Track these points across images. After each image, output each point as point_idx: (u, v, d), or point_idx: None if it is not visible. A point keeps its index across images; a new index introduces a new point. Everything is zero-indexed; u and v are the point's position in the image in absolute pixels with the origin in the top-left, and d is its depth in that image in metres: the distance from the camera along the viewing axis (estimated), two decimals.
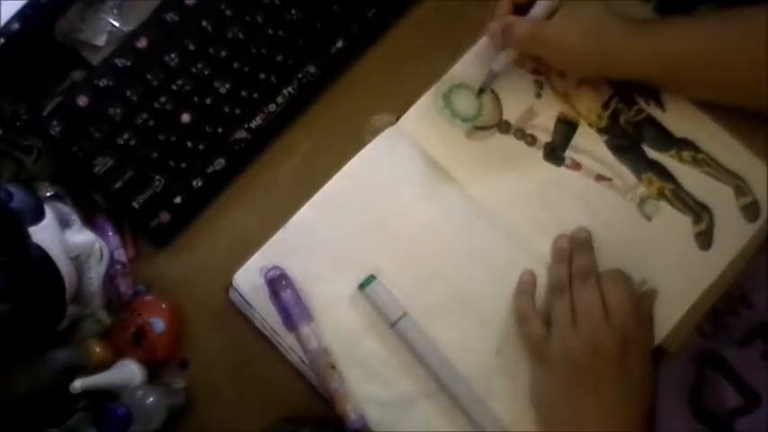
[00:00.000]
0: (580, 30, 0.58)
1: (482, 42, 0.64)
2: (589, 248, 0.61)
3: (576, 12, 0.58)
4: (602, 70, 0.61)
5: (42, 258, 0.53)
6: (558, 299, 0.59)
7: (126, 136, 0.62)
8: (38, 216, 0.55)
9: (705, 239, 0.61)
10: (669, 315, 0.60)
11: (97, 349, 0.59)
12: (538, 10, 0.59)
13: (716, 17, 0.60)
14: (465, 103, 0.64)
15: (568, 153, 0.63)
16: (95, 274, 0.59)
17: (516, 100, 0.64)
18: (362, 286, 0.60)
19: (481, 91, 0.63)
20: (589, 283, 0.58)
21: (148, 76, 0.63)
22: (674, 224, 0.61)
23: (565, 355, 0.56)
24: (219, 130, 0.63)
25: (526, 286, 0.60)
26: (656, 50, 0.59)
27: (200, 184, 0.63)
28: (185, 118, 0.63)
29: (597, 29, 0.58)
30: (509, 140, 0.63)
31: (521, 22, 0.59)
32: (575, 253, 0.60)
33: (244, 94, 0.64)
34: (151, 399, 0.57)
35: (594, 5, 0.59)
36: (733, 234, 0.61)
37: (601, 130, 0.63)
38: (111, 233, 0.62)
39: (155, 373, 0.61)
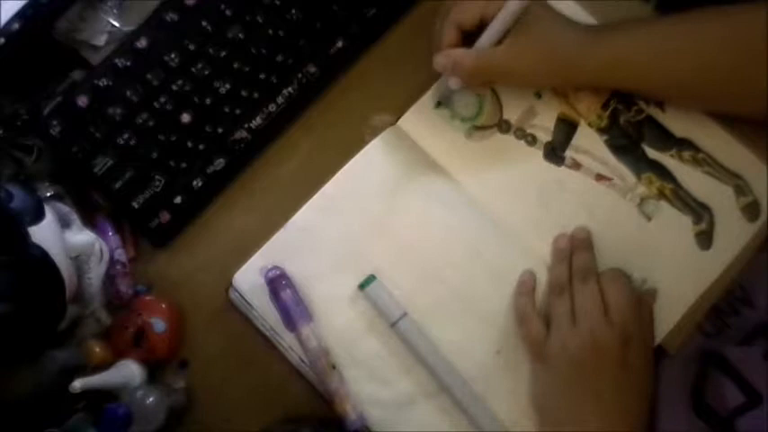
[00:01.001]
0: (529, 53, 0.57)
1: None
2: (589, 248, 0.61)
3: (524, 35, 0.57)
4: (561, 82, 0.61)
5: (42, 258, 0.53)
6: (558, 299, 0.59)
7: (126, 136, 0.62)
8: (38, 216, 0.55)
9: (705, 239, 0.61)
10: (669, 315, 0.60)
11: (97, 349, 0.59)
12: (485, 40, 0.58)
13: (672, 18, 0.59)
14: (465, 102, 0.64)
15: (568, 153, 0.63)
16: (95, 274, 0.59)
17: (516, 100, 0.64)
18: (362, 286, 0.60)
19: (438, 104, 0.63)
20: (589, 282, 0.58)
21: (148, 76, 0.63)
22: (674, 224, 0.61)
23: (565, 354, 0.56)
24: (219, 130, 0.63)
25: (526, 286, 0.60)
26: (615, 55, 0.58)
27: (200, 184, 0.63)
28: (185, 118, 0.63)
29: (548, 46, 0.57)
30: (509, 140, 0.63)
31: (467, 56, 0.58)
32: (574, 253, 0.60)
33: (244, 94, 0.64)
34: (151, 399, 0.57)
35: (545, 22, 0.58)
36: (733, 234, 0.61)
37: (601, 130, 0.63)
38: (111, 233, 0.62)
39: (155, 373, 0.60)
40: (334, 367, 0.59)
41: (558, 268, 0.60)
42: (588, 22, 0.62)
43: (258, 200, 0.64)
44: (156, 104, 0.63)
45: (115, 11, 0.66)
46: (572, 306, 0.58)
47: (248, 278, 0.61)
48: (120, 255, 0.62)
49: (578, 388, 0.56)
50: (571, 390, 0.56)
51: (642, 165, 0.63)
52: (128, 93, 0.63)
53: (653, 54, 0.58)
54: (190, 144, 0.63)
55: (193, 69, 0.63)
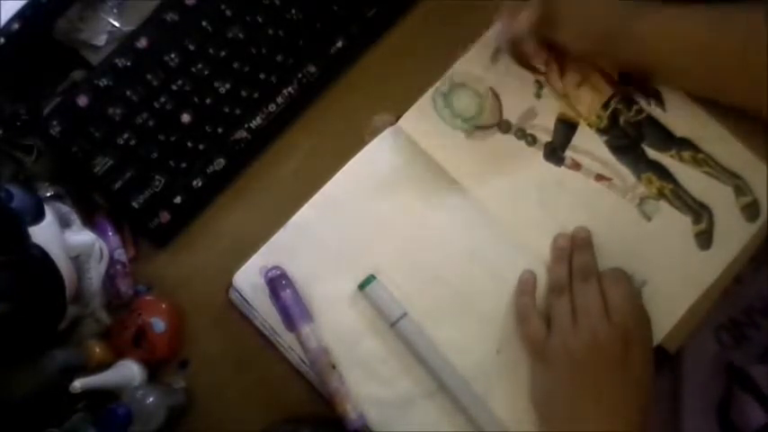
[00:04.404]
0: (578, 5, 0.57)
1: (483, 41, 0.64)
2: (589, 248, 0.60)
3: None
4: (602, 50, 0.60)
5: (42, 258, 0.53)
6: (559, 298, 0.59)
7: (126, 136, 0.62)
8: (38, 216, 0.55)
9: (705, 239, 0.61)
10: (669, 315, 0.60)
11: (97, 349, 0.59)
12: None
13: (718, 8, 0.58)
14: (465, 102, 0.64)
15: (568, 153, 0.63)
16: (95, 274, 0.59)
17: (516, 100, 0.64)
18: (362, 286, 0.60)
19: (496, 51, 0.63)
20: (590, 282, 0.58)
21: (148, 76, 0.63)
22: (673, 224, 0.61)
23: (565, 354, 0.56)
24: (219, 130, 0.63)
25: (526, 286, 0.60)
26: (653, 35, 0.58)
27: (200, 184, 0.63)
28: (185, 118, 0.63)
29: (602, 9, 0.57)
30: (509, 140, 0.63)
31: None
32: (575, 252, 0.60)
33: (244, 94, 0.64)
34: (151, 399, 0.57)
35: None
36: (733, 234, 0.61)
37: (600, 131, 0.63)
38: (111, 233, 0.62)
39: (155, 373, 0.61)
40: (334, 367, 0.59)
41: (558, 268, 0.60)
42: None
43: (258, 200, 0.64)
44: (156, 104, 0.63)
45: (115, 11, 0.66)
46: (573, 306, 0.58)
47: (248, 278, 0.61)
48: (120, 255, 0.62)
49: (579, 388, 0.56)
50: (571, 389, 0.56)
51: (642, 165, 0.63)
52: (128, 93, 0.63)
53: (691, 40, 0.58)
54: (190, 144, 0.63)
55: (193, 69, 0.63)
